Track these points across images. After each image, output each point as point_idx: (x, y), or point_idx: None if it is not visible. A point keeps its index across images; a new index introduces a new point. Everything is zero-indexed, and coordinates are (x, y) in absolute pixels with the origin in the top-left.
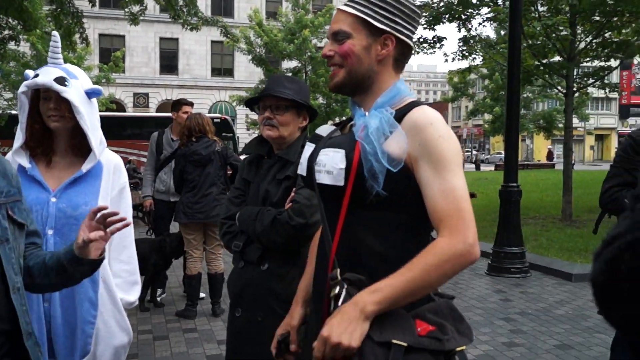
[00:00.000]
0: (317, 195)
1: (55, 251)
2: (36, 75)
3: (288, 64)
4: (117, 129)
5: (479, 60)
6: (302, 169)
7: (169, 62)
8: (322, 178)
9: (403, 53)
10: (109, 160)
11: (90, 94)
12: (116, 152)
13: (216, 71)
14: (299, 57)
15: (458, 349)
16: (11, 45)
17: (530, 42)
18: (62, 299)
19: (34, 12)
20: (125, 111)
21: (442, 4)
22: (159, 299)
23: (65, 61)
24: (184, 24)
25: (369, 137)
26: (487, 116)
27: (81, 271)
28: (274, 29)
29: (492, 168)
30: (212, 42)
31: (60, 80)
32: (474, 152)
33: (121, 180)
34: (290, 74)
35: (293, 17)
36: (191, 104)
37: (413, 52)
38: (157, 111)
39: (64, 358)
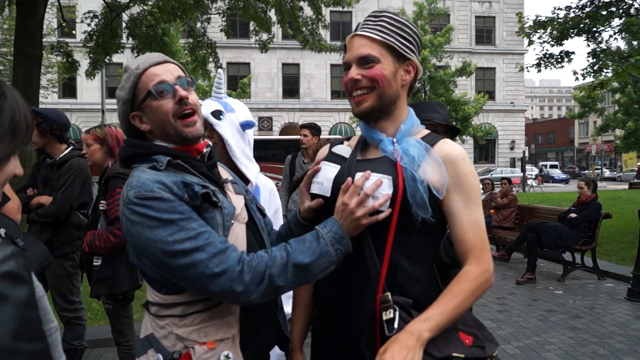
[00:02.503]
0: None
1: (285, 222)
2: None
3: None
4: None
5: (610, 74)
6: (324, 190)
7: (290, 86)
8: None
9: (416, 79)
10: (264, 185)
11: (244, 126)
12: None
13: (336, 94)
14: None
15: (494, 354)
16: None
17: None
18: None
19: (172, 45)
20: None
21: (568, 18)
22: None
23: (198, 88)
24: (312, 48)
25: (415, 164)
26: (619, 131)
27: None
28: None
29: (626, 186)
30: (332, 65)
31: (216, 114)
32: (592, 171)
33: (275, 202)
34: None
35: None
36: (317, 127)
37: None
38: (280, 134)
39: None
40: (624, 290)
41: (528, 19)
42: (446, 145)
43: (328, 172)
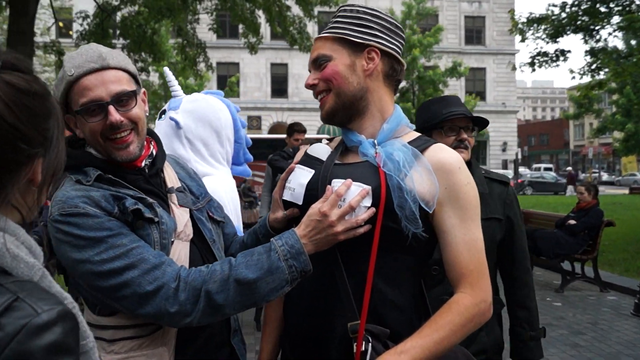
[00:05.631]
0: None
1: (251, 230)
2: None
3: None
4: None
5: (608, 74)
6: (296, 197)
7: (279, 86)
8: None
9: (393, 67)
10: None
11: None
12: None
13: None
14: (406, 77)
15: None
16: (142, 76)
17: None
18: None
19: (162, 45)
20: None
21: (563, 14)
22: None
23: (188, 87)
24: (300, 48)
25: (400, 172)
26: (617, 134)
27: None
28: None
29: (626, 191)
30: None
31: (161, 114)
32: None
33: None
34: (397, 95)
35: None
36: (304, 131)
37: (402, 68)
38: (269, 133)
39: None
40: (630, 304)
41: (521, 16)
42: (440, 151)
43: (301, 177)
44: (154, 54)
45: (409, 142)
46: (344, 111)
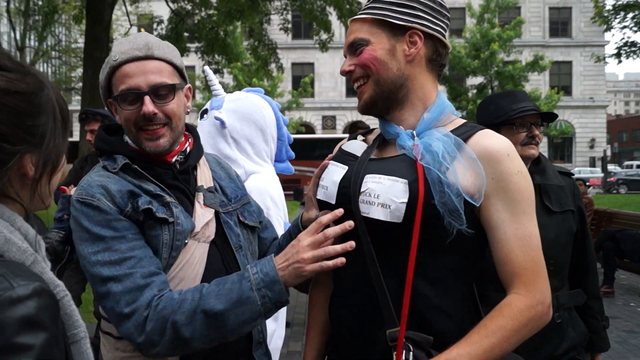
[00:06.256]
0: (362, 231)
1: (286, 231)
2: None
3: (472, 81)
4: (307, 150)
5: None
6: (329, 195)
7: None
8: (374, 212)
9: (437, 51)
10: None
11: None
12: (305, 171)
13: None
14: (484, 73)
15: None
16: (217, 77)
17: None
18: None
19: (236, 47)
20: (314, 133)
21: None
22: None
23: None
24: None
25: (440, 164)
26: None
27: None
28: (457, 46)
29: None
30: None
31: (202, 113)
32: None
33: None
34: (475, 91)
35: (478, 33)
36: (366, 127)
37: (448, 50)
38: (343, 132)
39: None
40: None
41: (605, 3)
42: (486, 137)
43: (334, 174)
44: (227, 56)
45: (452, 131)
46: (385, 101)
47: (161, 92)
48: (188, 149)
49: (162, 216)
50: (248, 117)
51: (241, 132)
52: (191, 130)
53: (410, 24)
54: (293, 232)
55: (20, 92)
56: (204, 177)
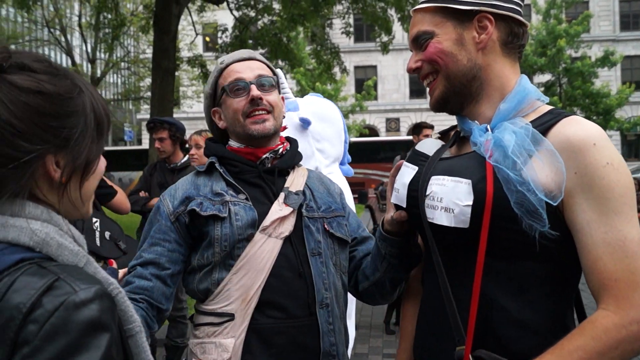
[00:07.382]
0: (429, 238)
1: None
2: None
3: (540, 78)
4: (370, 153)
5: None
6: (400, 198)
7: (418, 86)
8: (438, 217)
9: (513, 32)
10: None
11: (304, 123)
12: (370, 174)
13: None
14: (552, 70)
15: None
16: None
17: None
18: None
19: (298, 53)
20: (378, 136)
21: None
22: None
23: (323, 93)
24: None
25: (511, 160)
26: None
27: (390, 252)
28: None
29: None
30: None
31: None
32: None
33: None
34: (542, 89)
35: (544, 29)
36: (431, 127)
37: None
38: (407, 134)
39: None
40: None
41: None
42: (569, 125)
43: (405, 175)
44: (290, 61)
45: (535, 120)
46: (456, 96)
47: (264, 83)
48: (281, 150)
49: (211, 213)
50: (328, 119)
51: (323, 132)
52: (291, 140)
53: (477, 7)
54: (377, 238)
55: (44, 92)
56: (295, 183)
